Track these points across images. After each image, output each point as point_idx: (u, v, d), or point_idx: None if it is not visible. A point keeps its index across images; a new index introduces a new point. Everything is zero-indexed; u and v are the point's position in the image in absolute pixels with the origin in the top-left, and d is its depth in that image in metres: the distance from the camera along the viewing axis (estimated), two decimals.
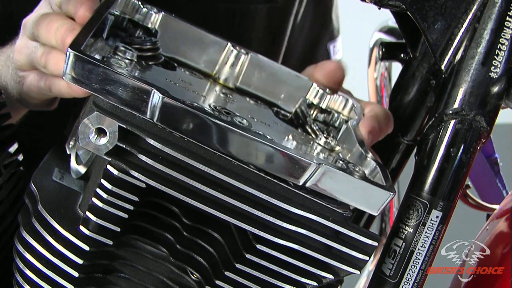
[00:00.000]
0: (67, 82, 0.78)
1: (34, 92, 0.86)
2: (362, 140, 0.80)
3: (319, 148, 0.79)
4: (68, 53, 0.66)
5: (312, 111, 0.88)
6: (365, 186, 0.69)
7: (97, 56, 0.70)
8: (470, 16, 0.75)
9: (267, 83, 0.91)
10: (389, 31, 1.28)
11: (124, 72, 0.66)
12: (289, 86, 0.91)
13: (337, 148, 0.80)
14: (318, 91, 0.90)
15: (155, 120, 0.66)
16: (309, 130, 0.85)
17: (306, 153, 0.77)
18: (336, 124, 0.88)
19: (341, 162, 0.73)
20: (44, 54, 0.81)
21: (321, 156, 0.78)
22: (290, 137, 0.81)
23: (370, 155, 0.76)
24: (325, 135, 0.80)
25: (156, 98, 0.66)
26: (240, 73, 0.90)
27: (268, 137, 0.71)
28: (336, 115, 0.88)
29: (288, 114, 0.90)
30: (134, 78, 0.66)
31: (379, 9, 0.76)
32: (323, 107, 0.89)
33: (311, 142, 0.81)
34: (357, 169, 0.72)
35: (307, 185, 0.69)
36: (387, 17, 1.24)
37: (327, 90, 0.90)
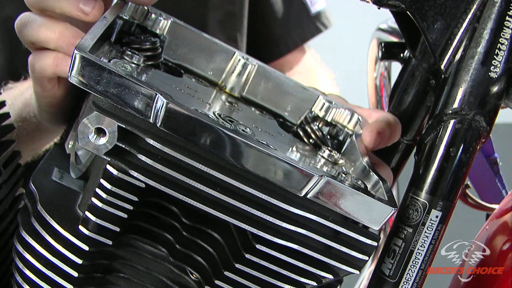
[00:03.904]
0: (53, 60, 0.78)
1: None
2: (366, 153, 0.80)
3: (322, 160, 0.79)
4: (74, 54, 0.66)
5: (317, 124, 0.88)
6: (367, 200, 0.69)
7: (103, 59, 0.70)
8: (469, 16, 0.75)
9: (273, 93, 0.91)
10: (388, 30, 1.28)
11: (129, 76, 0.66)
12: (295, 98, 0.91)
13: (341, 161, 0.80)
14: (324, 103, 0.90)
15: (158, 124, 0.66)
16: (313, 142, 0.85)
17: (309, 165, 0.77)
18: (341, 137, 0.88)
19: (343, 175, 0.73)
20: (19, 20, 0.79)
21: (324, 168, 0.77)
22: (294, 148, 0.81)
23: (373, 169, 0.75)
24: (328, 148, 0.80)
25: (160, 103, 0.65)
26: (246, 83, 0.90)
27: (271, 147, 0.71)
28: (341, 128, 0.89)
29: (293, 126, 0.90)
30: (138, 82, 0.66)
31: (379, 8, 0.76)
32: (328, 120, 0.90)
33: (315, 155, 0.81)
34: (359, 182, 0.72)
35: (309, 196, 0.68)
36: (386, 17, 1.24)
37: (333, 103, 0.90)
